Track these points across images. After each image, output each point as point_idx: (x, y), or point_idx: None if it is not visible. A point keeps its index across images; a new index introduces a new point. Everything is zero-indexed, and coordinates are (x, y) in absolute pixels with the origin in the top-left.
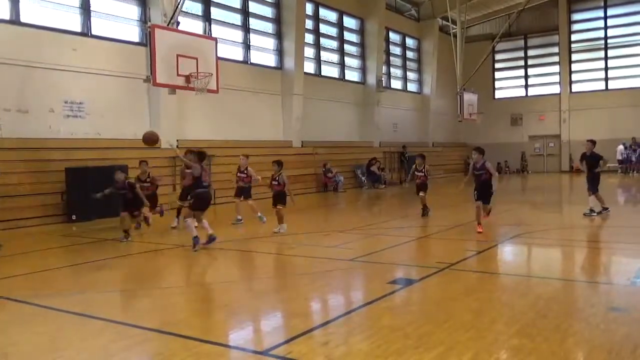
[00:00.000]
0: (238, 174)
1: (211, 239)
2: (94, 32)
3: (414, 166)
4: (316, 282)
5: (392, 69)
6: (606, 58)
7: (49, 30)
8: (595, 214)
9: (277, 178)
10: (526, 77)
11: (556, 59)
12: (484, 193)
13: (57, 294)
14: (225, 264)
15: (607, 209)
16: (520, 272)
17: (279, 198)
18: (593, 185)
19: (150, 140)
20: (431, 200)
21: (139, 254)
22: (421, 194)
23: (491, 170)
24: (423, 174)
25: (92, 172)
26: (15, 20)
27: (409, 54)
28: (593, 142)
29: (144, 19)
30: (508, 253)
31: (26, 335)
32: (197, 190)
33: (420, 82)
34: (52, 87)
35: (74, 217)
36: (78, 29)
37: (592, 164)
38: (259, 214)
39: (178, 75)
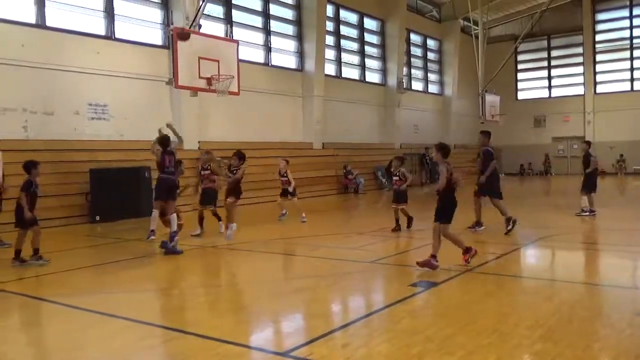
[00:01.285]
0: (281, 179)
1: (171, 236)
2: (117, 36)
3: (392, 170)
4: (337, 284)
5: (413, 70)
6: (632, 58)
7: (74, 34)
8: (586, 213)
9: (234, 170)
10: (549, 78)
11: (580, 59)
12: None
13: (81, 293)
14: (248, 264)
15: (592, 211)
16: (543, 275)
17: (233, 191)
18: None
19: None
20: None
21: (161, 255)
22: (393, 205)
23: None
24: (398, 178)
25: (116, 172)
26: (41, 24)
27: (430, 55)
28: (588, 144)
29: (167, 22)
30: (531, 256)
31: (50, 334)
32: (159, 176)
33: (441, 83)
34: (77, 89)
35: (97, 217)
36: (102, 33)
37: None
38: (303, 215)
39: (200, 77)
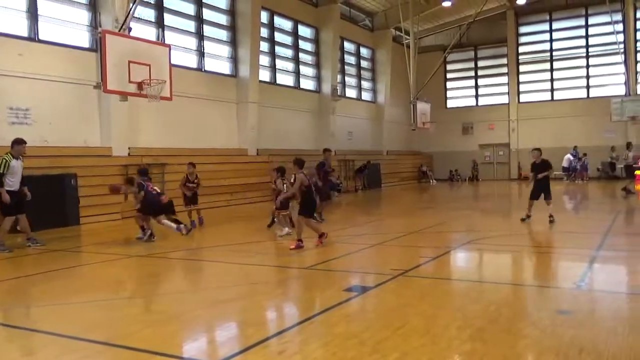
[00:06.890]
0: (188, 185)
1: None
2: (41, 37)
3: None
4: (271, 291)
5: (347, 78)
6: (552, 70)
7: None
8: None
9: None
10: (476, 87)
11: (505, 69)
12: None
13: (1, 307)
14: (179, 273)
15: (529, 217)
16: (472, 277)
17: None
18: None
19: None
20: (386, 207)
21: (89, 265)
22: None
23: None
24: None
25: (39, 180)
26: None
27: (364, 63)
28: (539, 150)
29: (95, 24)
30: (460, 259)
31: None
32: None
33: (374, 91)
34: None
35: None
36: (25, 34)
37: (543, 171)
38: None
39: (130, 82)
